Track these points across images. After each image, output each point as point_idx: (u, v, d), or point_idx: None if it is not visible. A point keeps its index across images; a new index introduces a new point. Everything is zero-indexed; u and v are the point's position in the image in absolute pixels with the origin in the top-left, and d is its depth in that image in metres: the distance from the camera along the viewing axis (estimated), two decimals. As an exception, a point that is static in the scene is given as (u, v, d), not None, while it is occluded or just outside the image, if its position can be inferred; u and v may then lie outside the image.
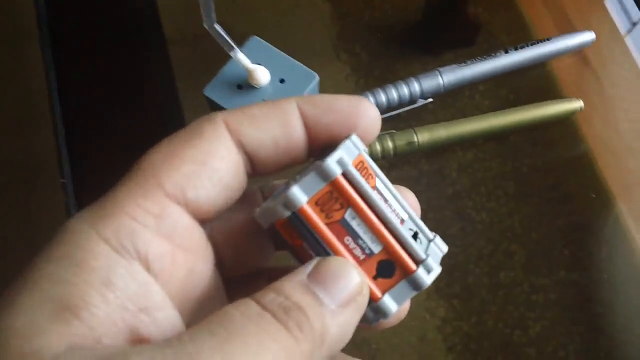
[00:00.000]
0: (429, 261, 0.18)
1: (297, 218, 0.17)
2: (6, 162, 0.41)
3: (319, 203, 0.18)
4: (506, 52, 0.42)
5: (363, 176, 0.18)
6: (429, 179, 0.40)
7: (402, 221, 0.19)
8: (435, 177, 0.40)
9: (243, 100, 0.37)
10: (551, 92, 0.44)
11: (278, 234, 0.18)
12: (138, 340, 0.16)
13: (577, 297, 0.38)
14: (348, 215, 0.18)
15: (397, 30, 0.45)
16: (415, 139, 0.39)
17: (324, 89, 0.39)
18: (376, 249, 0.18)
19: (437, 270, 0.19)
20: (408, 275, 0.18)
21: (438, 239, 0.20)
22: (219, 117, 0.18)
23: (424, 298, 0.37)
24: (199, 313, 0.18)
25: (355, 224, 0.18)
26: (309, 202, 0.17)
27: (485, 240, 0.39)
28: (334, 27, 0.45)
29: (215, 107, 0.37)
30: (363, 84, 0.43)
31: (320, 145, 0.19)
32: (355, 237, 0.18)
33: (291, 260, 0.19)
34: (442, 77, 0.41)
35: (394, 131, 0.40)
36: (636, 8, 0.46)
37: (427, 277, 0.18)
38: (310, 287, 0.16)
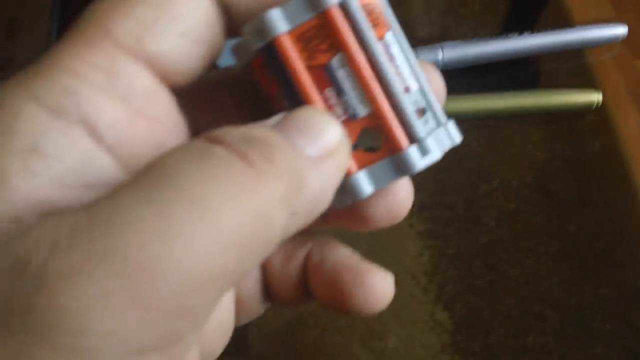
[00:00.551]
0: (428, 142, 0.15)
1: (272, 52, 0.14)
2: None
3: (302, 38, 0.14)
4: (519, 34, 0.39)
5: (369, 19, 0.14)
6: (462, 223, 0.37)
7: (407, 89, 0.15)
8: (470, 222, 0.37)
9: None
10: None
11: (256, 82, 0.15)
12: None
13: (613, 378, 0.34)
14: (336, 61, 0.14)
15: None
16: None
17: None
18: (362, 111, 0.14)
19: (434, 155, 0.15)
20: (395, 153, 0.14)
21: (451, 126, 0.16)
22: None
23: (437, 351, 0.34)
24: None
25: (342, 75, 0.14)
26: (289, 34, 0.14)
27: (516, 298, 0.35)
28: None
29: None
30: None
31: None
32: (339, 90, 0.14)
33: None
34: (442, 51, 0.38)
35: None
36: None
37: (419, 160, 0.15)
38: (282, 130, 0.13)
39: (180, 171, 0.11)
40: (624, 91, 0.42)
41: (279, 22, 0.13)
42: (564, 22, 0.44)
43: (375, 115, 0.14)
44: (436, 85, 0.16)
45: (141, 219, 0.11)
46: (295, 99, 0.14)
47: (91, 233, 0.11)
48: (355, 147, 0.14)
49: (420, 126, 0.15)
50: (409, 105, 0.15)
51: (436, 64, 0.39)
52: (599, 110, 0.41)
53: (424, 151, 0.15)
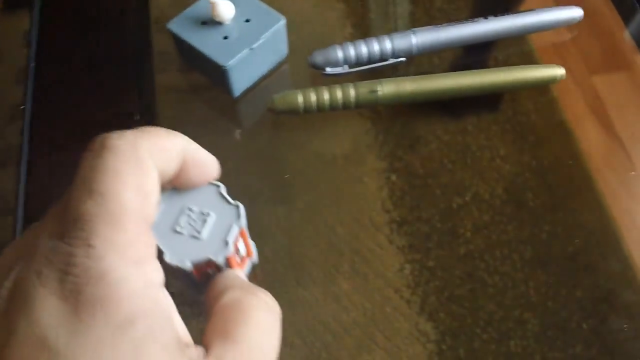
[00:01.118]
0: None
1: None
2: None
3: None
4: (485, 18, 0.41)
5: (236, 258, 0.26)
6: (440, 236, 0.39)
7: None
8: (447, 235, 0.39)
9: (204, 34, 0.38)
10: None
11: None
12: None
13: (594, 375, 0.35)
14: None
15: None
16: (379, 89, 0.38)
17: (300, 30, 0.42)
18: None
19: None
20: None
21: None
22: (146, 154, 0.20)
23: (425, 360, 0.35)
24: None
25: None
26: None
27: (497, 305, 0.37)
28: None
29: (178, 41, 0.39)
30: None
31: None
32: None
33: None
34: (415, 37, 0.40)
35: (358, 82, 0.39)
36: None
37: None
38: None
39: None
40: (582, 106, 0.45)
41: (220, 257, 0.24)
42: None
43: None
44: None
45: None
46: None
47: None
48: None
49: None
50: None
51: (410, 49, 0.40)
52: (561, 124, 0.43)
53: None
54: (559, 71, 0.41)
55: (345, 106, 0.39)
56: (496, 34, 0.42)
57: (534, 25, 0.42)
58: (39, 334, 0.16)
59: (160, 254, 0.23)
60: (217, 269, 0.24)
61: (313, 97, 0.39)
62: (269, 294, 0.23)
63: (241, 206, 0.25)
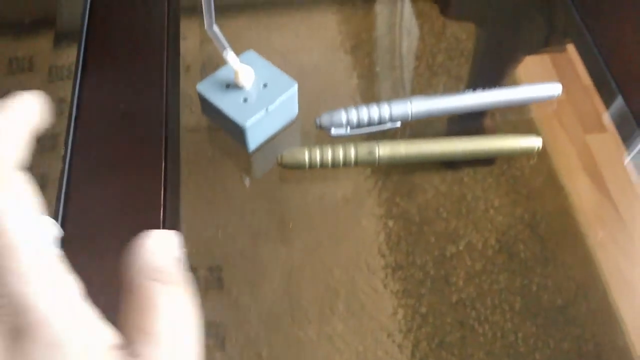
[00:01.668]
0: None
1: None
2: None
3: None
4: (474, 91, 0.45)
5: None
6: (433, 283, 0.40)
7: None
8: (440, 282, 0.40)
9: (227, 96, 0.42)
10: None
11: None
12: None
13: None
14: None
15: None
16: (376, 150, 0.42)
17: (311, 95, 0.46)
18: None
19: None
20: None
21: None
22: None
23: (414, 404, 0.36)
24: None
25: None
26: None
27: (486, 353, 0.38)
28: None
29: (204, 101, 0.43)
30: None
31: None
32: None
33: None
34: (411, 104, 0.44)
35: (358, 143, 0.43)
36: None
37: None
38: None
39: None
40: (575, 162, 0.46)
41: None
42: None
43: None
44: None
45: None
46: None
47: None
48: None
49: None
50: None
51: (406, 115, 0.45)
52: (553, 178, 0.45)
53: None
54: (537, 142, 0.44)
55: (346, 164, 0.43)
56: (482, 106, 0.46)
57: (516, 100, 0.47)
58: None
59: None
60: None
61: (317, 155, 0.42)
62: (173, 265, 0.22)
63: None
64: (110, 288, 0.22)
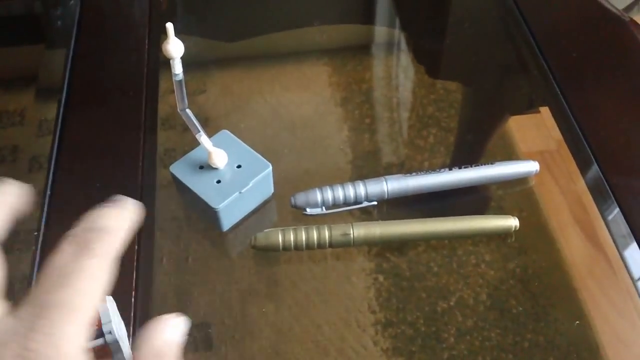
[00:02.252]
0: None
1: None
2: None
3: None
4: (450, 169, 0.45)
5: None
6: (424, 340, 0.39)
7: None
8: (431, 339, 0.39)
9: (200, 178, 0.42)
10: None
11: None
12: None
13: None
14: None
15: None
16: (351, 232, 0.42)
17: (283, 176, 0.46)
18: None
19: None
20: None
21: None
22: None
23: None
24: None
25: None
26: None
27: (478, 413, 0.37)
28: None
29: (177, 182, 0.43)
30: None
31: None
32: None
33: None
34: (387, 183, 0.44)
35: (332, 225, 0.42)
36: None
37: None
38: None
39: None
40: (567, 215, 0.46)
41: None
42: (508, 154, 0.49)
43: None
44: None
45: None
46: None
47: None
48: None
49: None
50: None
51: (382, 194, 0.44)
52: (544, 232, 0.45)
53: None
54: (513, 222, 0.44)
55: (320, 246, 0.42)
56: (459, 184, 0.46)
57: (493, 177, 0.46)
58: None
59: None
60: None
61: (291, 237, 0.42)
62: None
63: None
64: None
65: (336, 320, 0.40)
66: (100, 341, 0.25)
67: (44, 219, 0.44)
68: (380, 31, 0.62)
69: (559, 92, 0.52)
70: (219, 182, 0.42)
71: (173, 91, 0.53)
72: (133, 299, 0.40)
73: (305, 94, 0.54)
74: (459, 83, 0.55)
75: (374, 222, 0.43)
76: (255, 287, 0.42)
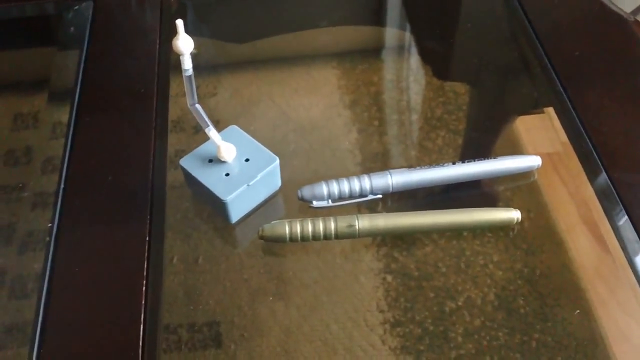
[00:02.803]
0: None
1: None
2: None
3: None
4: (453, 164, 0.46)
5: None
6: (432, 339, 0.40)
7: None
8: (439, 338, 0.40)
9: (209, 172, 0.44)
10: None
11: None
12: None
13: None
14: None
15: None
16: (356, 223, 0.42)
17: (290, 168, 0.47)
18: None
19: None
20: None
21: None
22: None
23: None
24: None
25: None
26: None
27: (485, 412, 0.37)
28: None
29: (187, 175, 0.44)
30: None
31: None
32: None
33: None
34: (391, 177, 0.45)
35: (338, 217, 0.43)
36: None
37: None
38: None
39: None
40: (575, 216, 0.47)
41: None
42: (513, 152, 0.49)
43: None
44: None
45: None
46: None
47: None
48: None
49: None
50: None
51: (387, 187, 0.45)
52: (553, 233, 0.45)
53: None
54: (515, 214, 0.44)
55: (326, 237, 0.43)
56: (462, 177, 0.46)
57: (496, 171, 0.47)
58: None
59: None
60: None
61: (298, 229, 0.43)
62: None
63: None
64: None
65: (344, 319, 0.41)
66: None
67: (56, 221, 0.44)
68: (389, 33, 0.63)
69: (562, 92, 0.52)
70: (227, 175, 0.43)
71: (183, 94, 0.54)
72: (143, 300, 0.40)
73: (314, 97, 0.54)
74: (466, 84, 0.56)
75: (379, 214, 0.44)
76: (264, 286, 0.42)
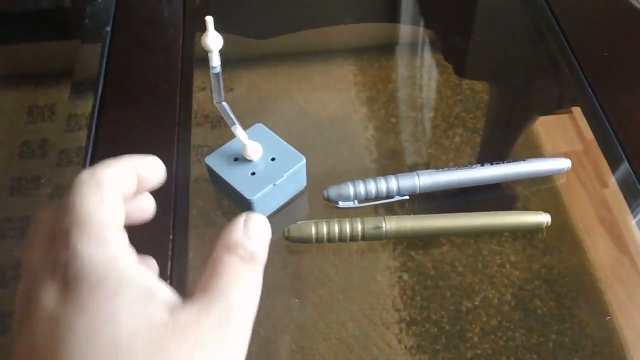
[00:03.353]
0: None
1: None
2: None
3: None
4: (482, 165, 0.45)
5: None
6: (448, 339, 0.40)
7: None
8: (455, 338, 0.40)
9: (235, 170, 0.43)
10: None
11: None
12: None
13: None
14: None
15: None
16: (383, 225, 0.42)
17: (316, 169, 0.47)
18: None
19: None
20: None
21: None
22: (103, 177, 0.26)
23: None
24: None
25: None
26: None
27: (501, 413, 0.37)
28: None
29: (212, 173, 0.44)
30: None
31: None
32: None
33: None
34: (419, 178, 0.44)
35: (365, 218, 0.43)
36: None
37: None
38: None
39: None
40: (593, 217, 0.46)
41: None
42: (533, 153, 0.49)
43: None
44: None
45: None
46: None
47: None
48: None
49: None
50: None
51: (414, 188, 0.45)
52: (570, 233, 0.45)
53: None
54: (545, 218, 0.44)
55: (353, 239, 0.43)
56: (491, 179, 0.46)
57: (526, 173, 0.46)
58: (47, 308, 0.23)
59: None
60: None
61: (324, 230, 0.42)
62: (257, 244, 0.27)
63: None
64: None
65: (360, 317, 0.41)
66: None
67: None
68: (406, 30, 0.63)
69: (590, 92, 0.51)
70: (253, 174, 0.43)
71: (203, 89, 0.54)
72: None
73: (332, 93, 0.54)
74: (487, 82, 0.55)
75: (406, 216, 0.43)
76: (281, 283, 0.42)
